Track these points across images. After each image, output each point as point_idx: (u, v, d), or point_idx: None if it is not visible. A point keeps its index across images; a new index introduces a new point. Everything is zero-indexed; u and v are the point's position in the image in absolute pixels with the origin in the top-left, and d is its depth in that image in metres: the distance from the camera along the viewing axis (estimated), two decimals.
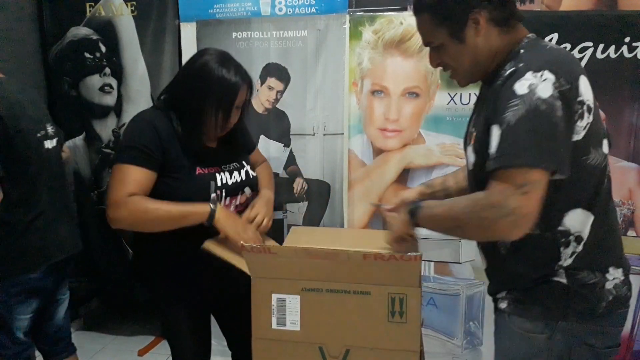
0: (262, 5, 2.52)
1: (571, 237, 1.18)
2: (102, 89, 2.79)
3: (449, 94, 2.35)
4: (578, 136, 1.12)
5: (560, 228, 1.17)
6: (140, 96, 2.76)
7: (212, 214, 1.47)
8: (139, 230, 1.52)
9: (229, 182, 1.58)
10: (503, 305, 1.28)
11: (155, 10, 2.66)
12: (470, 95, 2.33)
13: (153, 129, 1.48)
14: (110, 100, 2.79)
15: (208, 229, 1.49)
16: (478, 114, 1.27)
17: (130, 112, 2.78)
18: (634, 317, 2.31)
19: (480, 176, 1.18)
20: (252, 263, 1.30)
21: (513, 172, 1.06)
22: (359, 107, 2.45)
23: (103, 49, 2.76)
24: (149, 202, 1.46)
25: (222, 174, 1.58)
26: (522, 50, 1.19)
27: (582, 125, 1.12)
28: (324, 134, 2.49)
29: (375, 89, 2.41)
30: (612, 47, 2.14)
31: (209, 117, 1.50)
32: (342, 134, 2.48)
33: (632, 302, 2.24)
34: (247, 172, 1.66)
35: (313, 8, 2.47)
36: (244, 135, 1.78)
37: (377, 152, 2.47)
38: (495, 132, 1.10)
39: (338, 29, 2.42)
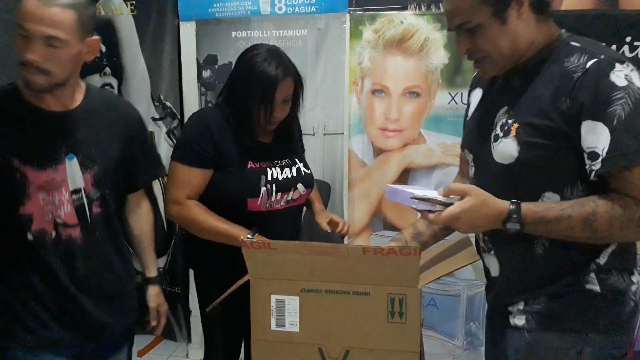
0: (262, 4, 2.51)
1: None
2: (102, 88, 2.79)
3: (449, 93, 2.34)
4: None
5: None
6: (140, 95, 2.75)
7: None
8: (190, 231, 1.65)
9: (280, 178, 1.64)
10: (520, 321, 1.19)
11: (155, 9, 2.65)
12: None
13: (205, 127, 1.58)
14: None
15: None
16: (517, 103, 1.17)
17: None
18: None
19: (521, 172, 1.13)
20: (251, 260, 1.29)
21: None
22: (359, 106, 2.44)
23: (103, 48, 2.75)
24: (200, 212, 1.58)
25: (273, 169, 1.64)
26: (573, 42, 1.13)
27: None
28: (324, 134, 2.49)
29: (376, 89, 2.40)
30: (613, 47, 2.13)
31: (255, 110, 1.56)
32: (342, 133, 2.48)
33: None
34: (299, 169, 1.71)
35: (313, 7, 2.46)
36: (299, 133, 1.85)
37: (378, 151, 2.46)
38: (602, 129, 1.03)
39: (338, 28, 2.41)
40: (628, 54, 2.13)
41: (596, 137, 1.04)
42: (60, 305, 1.39)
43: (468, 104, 1.44)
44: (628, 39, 2.13)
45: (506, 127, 1.16)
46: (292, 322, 1.28)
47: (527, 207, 1.10)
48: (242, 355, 1.83)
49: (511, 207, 1.10)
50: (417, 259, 1.18)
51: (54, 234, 1.35)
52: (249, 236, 1.53)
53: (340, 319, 1.27)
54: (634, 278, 1.16)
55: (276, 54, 1.58)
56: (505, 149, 1.15)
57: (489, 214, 1.11)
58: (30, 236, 1.34)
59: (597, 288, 1.12)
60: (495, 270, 1.27)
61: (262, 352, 1.32)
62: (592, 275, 1.13)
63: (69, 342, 1.42)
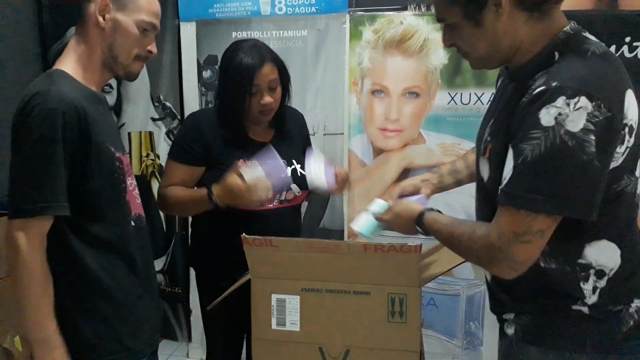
0: (262, 4, 2.51)
1: (591, 271, 1.05)
2: (101, 88, 2.78)
3: (449, 93, 2.34)
4: (615, 163, 0.98)
5: (580, 261, 1.05)
6: (140, 96, 2.75)
7: (210, 196, 1.53)
8: (177, 215, 1.76)
9: None
10: (510, 330, 1.15)
11: None
12: (470, 95, 2.32)
13: (196, 126, 1.65)
14: (109, 100, 2.78)
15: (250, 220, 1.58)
16: (497, 119, 1.11)
17: (129, 112, 2.78)
18: None
19: (493, 193, 1.05)
20: (252, 258, 1.30)
21: (518, 216, 0.97)
22: (359, 106, 2.45)
23: None
24: (170, 190, 1.63)
25: None
26: (556, 54, 1.02)
27: (620, 152, 0.98)
28: (324, 134, 2.49)
29: (376, 89, 2.40)
30: (613, 47, 2.13)
31: (240, 101, 1.57)
32: (342, 133, 2.48)
33: None
34: (294, 170, 1.70)
35: (313, 7, 2.46)
36: (301, 133, 1.85)
37: (378, 152, 2.47)
38: (510, 161, 0.99)
39: (338, 29, 2.42)
40: (627, 54, 2.13)
41: (508, 164, 1.00)
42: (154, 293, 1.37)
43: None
44: (627, 39, 2.13)
45: (484, 145, 1.12)
46: (292, 321, 1.29)
47: (428, 224, 1.19)
48: (243, 355, 1.84)
49: (423, 215, 1.21)
50: (417, 257, 1.19)
51: (144, 219, 1.33)
52: (208, 187, 1.53)
53: (340, 318, 1.27)
54: (633, 305, 1.07)
55: (254, 46, 1.60)
56: (482, 166, 1.13)
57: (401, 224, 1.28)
58: (132, 223, 1.27)
59: (585, 309, 1.05)
60: (488, 275, 1.23)
61: (262, 351, 1.33)
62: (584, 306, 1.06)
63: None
